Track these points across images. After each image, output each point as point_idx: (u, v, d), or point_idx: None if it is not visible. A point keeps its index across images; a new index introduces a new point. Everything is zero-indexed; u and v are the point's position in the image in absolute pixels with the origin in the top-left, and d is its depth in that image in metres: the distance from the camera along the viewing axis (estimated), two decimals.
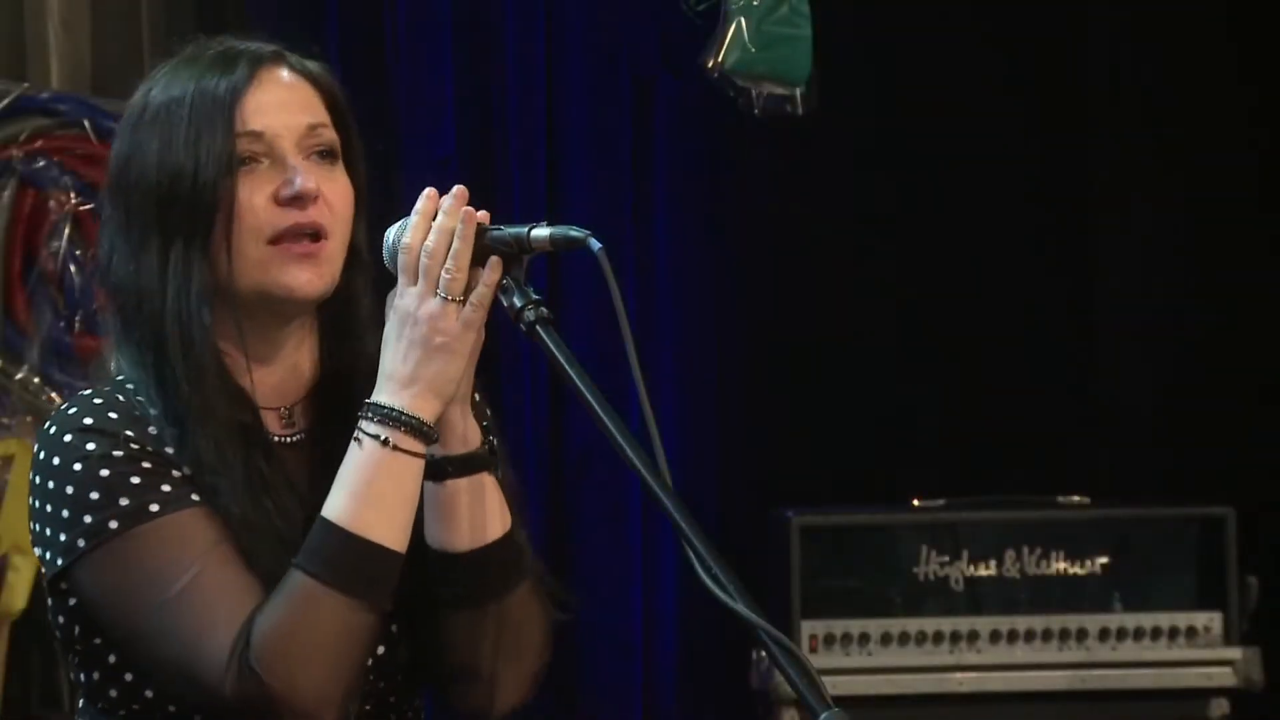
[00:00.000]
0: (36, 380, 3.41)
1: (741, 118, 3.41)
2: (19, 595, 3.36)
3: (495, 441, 1.77)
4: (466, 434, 1.73)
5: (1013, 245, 3.85)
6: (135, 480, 1.66)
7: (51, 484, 1.67)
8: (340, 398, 1.76)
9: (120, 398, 1.70)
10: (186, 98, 1.71)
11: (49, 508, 1.68)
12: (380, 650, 1.74)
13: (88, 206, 3.43)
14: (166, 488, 1.66)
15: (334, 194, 1.73)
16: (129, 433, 1.67)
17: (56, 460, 1.67)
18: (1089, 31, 3.87)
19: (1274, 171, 3.77)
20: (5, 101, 3.43)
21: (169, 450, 1.67)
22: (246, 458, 1.69)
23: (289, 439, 1.75)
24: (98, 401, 1.70)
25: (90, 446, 1.66)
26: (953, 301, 3.82)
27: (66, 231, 3.42)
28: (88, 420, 1.68)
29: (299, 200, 1.70)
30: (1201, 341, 3.82)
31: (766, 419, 3.85)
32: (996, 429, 3.78)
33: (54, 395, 3.40)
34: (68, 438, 1.67)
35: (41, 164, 3.44)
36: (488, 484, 1.74)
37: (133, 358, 1.72)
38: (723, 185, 3.85)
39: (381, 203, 1.81)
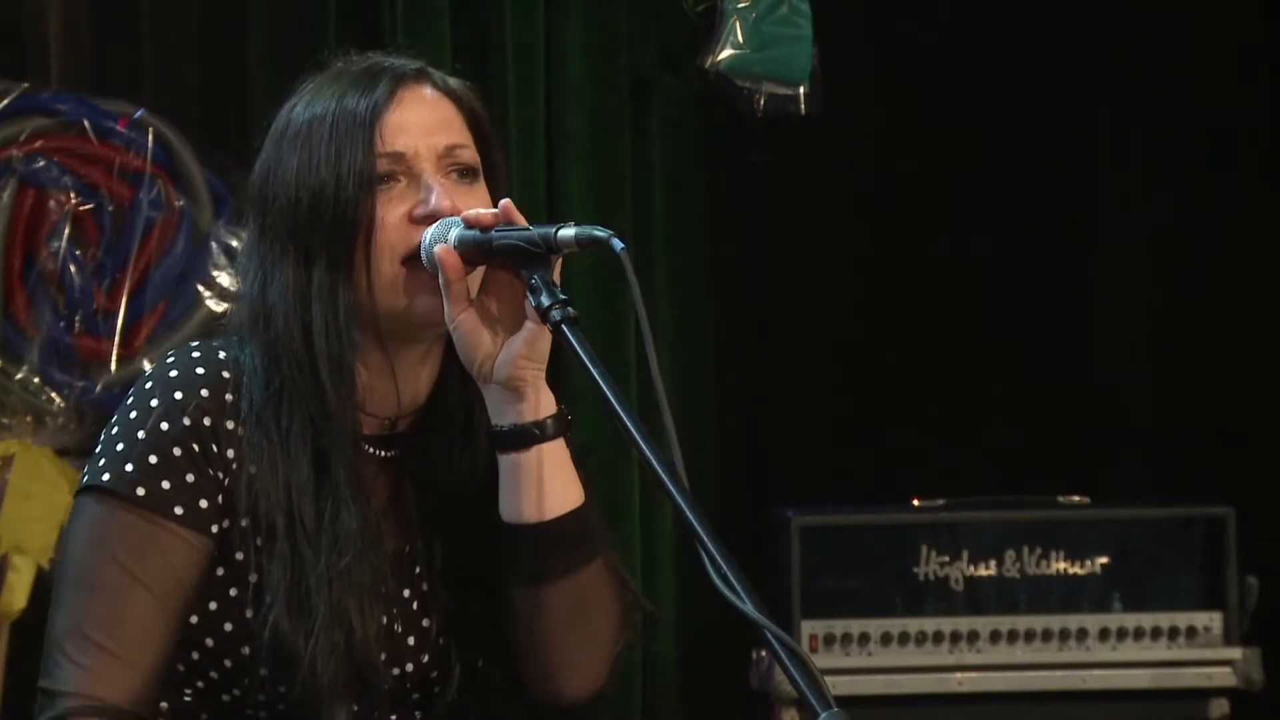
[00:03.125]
0: (36, 380, 3.40)
1: (741, 118, 3.41)
2: (19, 595, 3.36)
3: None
4: (543, 400, 1.75)
5: (1013, 244, 3.86)
6: (189, 478, 1.70)
7: (134, 414, 1.73)
8: (448, 421, 1.80)
9: (226, 375, 1.74)
10: (328, 115, 1.74)
11: (115, 430, 1.73)
12: (425, 658, 1.77)
13: (88, 206, 3.43)
14: (203, 503, 1.71)
15: None
16: (214, 425, 1.71)
17: (154, 402, 1.72)
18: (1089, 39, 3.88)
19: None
20: (5, 101, 3.43)
21: (230, 454, 1.71)
22: (327, 465, 1.72)
23: (383, 453, 1.78)
24: (203, 372, 1.73)
25: (186, 422, 1.71)
26: (953, 301, 3.83)
27: (66, 231, 3.42)
28: (204, 391, 1.72)
29: (433, 219, 1.72)
30: (1202, 341, 3.82)
31: (766, 419, 3.85)
32: (996, 429, 3.79)
33: (54, 395, 3.40)
34: (178, 395, 1.71)
35: (41, 164, 3.43)
36: (563, 453, 1.77)
37: (255, 362, 1.75)
38: (722, 185, 3.85)
39: None
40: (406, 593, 1.78)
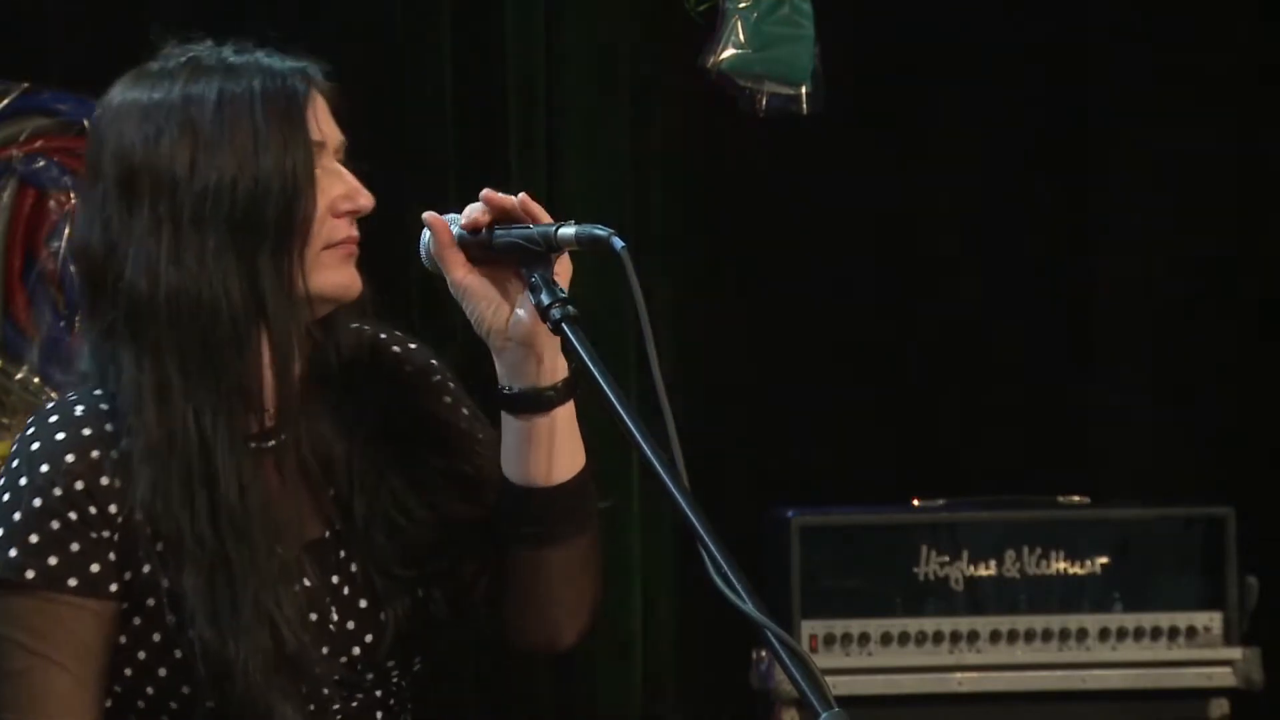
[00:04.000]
0: (36, 380, 3.40)
1: (741, 117, 3.40)
2: None
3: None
4: (557, 365, 1.74)
5: (1012, 245, 3.86)
6: (74, 548, 1.67)
7: (6, 497, 1.69)
8: (331, 397, 1.78)
9: (88, 431, 1.69)
10: (252, 101, 1.70)
11: None
12: (369, 638, 1.75)
13: None
14: (95, 567, 1.68)
15: None
16: (87, 488, 1.68)
17: (23, 481, 1.68)
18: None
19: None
20: (5, 101, 3.43)
21: (112, 509, 1.68)
22: (232, 464, 1.69)
23: (271, 443, 1.75)
24: (63, 437, 1.69)
25: (57, 492, 1.67)
26: (952, 300, 3.83)
27: (66, 231, 3.41)
28: (69, 456, 1.68)
29: (356, 214, 1.73)
30: (1202, 341, 3.82)
31: (766, 417, 3.85)
32: (996, 429, 3.79)
33: (54, 395, 3.39)
34: (44, 468, 1.67)
35: (41, 164, 3.43)
36: (572, 415, 1.76)
37: (144, 366, 1.69)
38: (722, 184, 3.84)
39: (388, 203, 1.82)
40: (335, 579, 1.75)
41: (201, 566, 1.67)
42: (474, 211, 1.73)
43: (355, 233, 1.74)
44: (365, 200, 1.73)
